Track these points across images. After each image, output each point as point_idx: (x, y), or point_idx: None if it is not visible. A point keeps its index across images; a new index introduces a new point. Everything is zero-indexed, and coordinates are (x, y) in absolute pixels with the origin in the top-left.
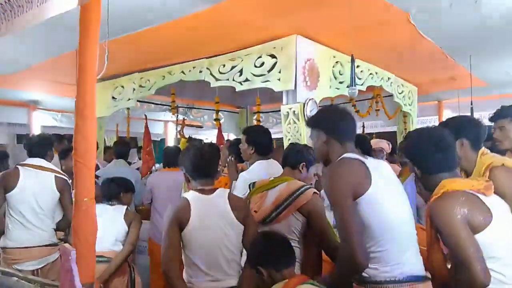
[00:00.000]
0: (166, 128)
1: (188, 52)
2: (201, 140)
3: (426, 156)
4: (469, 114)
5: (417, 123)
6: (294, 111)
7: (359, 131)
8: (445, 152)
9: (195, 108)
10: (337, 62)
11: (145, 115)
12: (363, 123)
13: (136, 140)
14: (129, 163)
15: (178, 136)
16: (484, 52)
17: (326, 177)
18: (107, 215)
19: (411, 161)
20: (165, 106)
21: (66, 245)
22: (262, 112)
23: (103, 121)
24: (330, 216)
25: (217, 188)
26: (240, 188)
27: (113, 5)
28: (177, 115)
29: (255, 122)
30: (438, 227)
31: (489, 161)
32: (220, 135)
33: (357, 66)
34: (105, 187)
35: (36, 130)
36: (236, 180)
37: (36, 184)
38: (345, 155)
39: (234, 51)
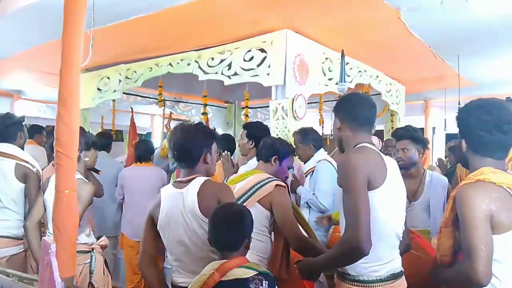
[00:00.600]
0: (152, 121)
1: (176, 44)
2: (186, 122)
3: (480, 134)
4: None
5: (404, 122)
6: (283, 107)
7: None
8: (505, 137)
9: (182, 101)
10: (326, 58)
11: (131, 108)
12: None
13: (122, 133)
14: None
15: (165, 130)
16: (473, 52)
17: (343, 162)
18: None
19: (460, 132)
20: (152, 99)
21: (46, 238)
22: (251, 108)
23: (88, 112)
24: (304, 213)
25: (194, 178)
26: None
27: None
28: (164, 109)
29: (243, 117)
30: (459, 214)
31: None
32: None
33: (347, 63)
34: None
35: None
36: (231, 175)
37: None
38: (364, 144)
39: (223, 44)
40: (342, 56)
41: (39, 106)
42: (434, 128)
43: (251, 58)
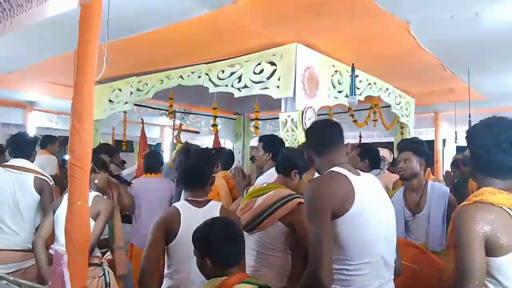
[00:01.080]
0: (162, 132)
1: (187, 57)
2: (193, 145)
3: (491, 152)
4: (466, 127)
5: (413, 134)
6: (292, 119)
7: (355, 141)
8: (506, 157)
9: (192, 113)
10: (336, 71)
11: (142, 119)
12: (360, 133)
13: (132, 143)
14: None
15: (175, 141)
16: (483, 65)
17: (308, 190)
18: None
19: (471, 148)
20: (162, 111)
21: (58, 248)
22: (260, 119)
23: (99, 124)
24: None
25: (210, 200)
26: None
27: (114, 6)
28: (174, 120)
29: (252, 129)
30: (455, 235)
31: None
32: (216, 141)
33: (356, 76)
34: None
35: (31, 131)
36: (244, 187)
37: (15, 185)
38: (333, 168)
39: (233, 57)
40: (353, 69)
41: (50, 117)
42: (444, 141)
43: (261, 71)
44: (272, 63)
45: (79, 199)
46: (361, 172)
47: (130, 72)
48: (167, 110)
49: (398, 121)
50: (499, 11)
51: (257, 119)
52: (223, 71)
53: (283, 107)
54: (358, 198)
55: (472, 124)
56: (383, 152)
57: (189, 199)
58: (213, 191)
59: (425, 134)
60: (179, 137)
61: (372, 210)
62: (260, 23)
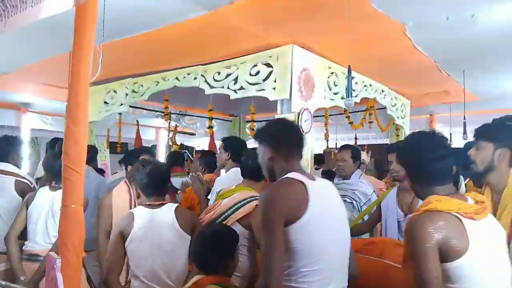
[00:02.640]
0: (158, 134)
1: (182, 58)
2: (150, 159)
3: (421, 165)
4: (461, 128)
5: None
6: None
7: (351, 142)
8: (444, 161)
9: (187, 115)
10: (332, 73)
11: (137, 121)
12: (356, 134)
13: (127, 145)
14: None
15: (170, 143)
16: (479, 67)
17: (261, 198)
18: (43, 203)
19: (405, 168)
20: (157, 112)
21: (52, 253)
22: (256, 121)
23: (94, 125)
24: None
25: (166, 203)
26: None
27: (109, 7)
28: (170, 122)
29: (248, 131)
30: (408, 247)
31: None
32: (212, 143)
33: (352, 78)
34: (47, 164)
35: (25, 133)
36: (204, 192)
37: None
38: (288, 174)
39: (229, 59)
40: (349, 71)
41: (45, 118)
42: None
43: (257, 73)
44: (268, 65)
45: (73, 202)
46: (316, 177)
47: (126, 73)
48: (163, 112)
49: (393, 123)
50: (494, 13)
51: (253, 120)
52: (219, 73)
53: (279, 108)
54: (311, 205)
55: (466, 126)
56: (362, 155)
57: (146, 203)
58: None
59: None
60: (174, 139)
61: (325, 216)
62: (256, 25)
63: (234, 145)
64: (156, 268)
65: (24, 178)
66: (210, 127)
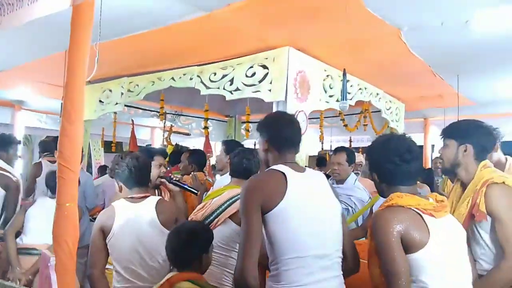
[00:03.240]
0: (153, 134)
1: (179, 59)
2: (132, 152)
3: (387, 166)
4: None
5: None
6: None
7: (346, 144)
8: (409, 165)
9: (183, 115)
10: (327, 75)
11: (132, 120)
12: (350, 137)
13: (122, 145)
14: None
15: (165, 143)
16: (472, 72)
17: (242, 187)
18: (45, 208)
19: (371, 167)
20: (152, 112)
21: (46, 251)
22: (251, 122)
23: (89, 124)
24: None
25: (148, 196)
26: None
27: (106, 8)
28: (165, 121)
29: (243, 132)
30: (375, 240)
31: (489, 176)
32: (207, 144)
33: (348, 81)
34: (50, 178)
35: (19, 131)
36: (203, 192)
37: None
38: (273, 166)
39: (225, 60)
40: (344, 75)
41: (39, 116)
42: (433, 146)
43: (253, 74)
44: (264, 67)
45: (67, 200)
46: (308, 170)
47: (121, 73)
48: (158, 112)
49: (388, 126)
50: (488, 19)
51: (248, 122)
52: (215, 74)
53: (274, 110)
54: (289, 194)
55: None
56: (360, 157)
57: (128, 196)
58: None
59: (414, 139)
60: (169, 138)
61: (306, 207)
62: (252, 27)
63: (235, 149)
64: (136, 264)
65: (8, 172)
66: (206, 127)
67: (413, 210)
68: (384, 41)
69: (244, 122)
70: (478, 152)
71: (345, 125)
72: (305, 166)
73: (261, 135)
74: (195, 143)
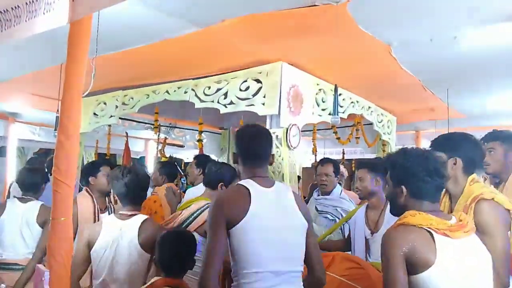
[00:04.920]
0: (146, 146)
1: (173, 72)
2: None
3: (421, 181)
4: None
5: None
6: (277, 136)
7: (339, 156)
8: (441, 180)
9: (177, 127)
10: (320, 89)
11: (126, 133)
12: (343, 149)
13: (116, 157)
14: None
15: (159, 155)
16: (462, 86)
17: (211, 201)
18: (15, 215)
19: (398, 181)
20: (147, 124)
21: (40, 265)
22: None
23: (83, 137)
24: None
25: (136, 215)
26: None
27: (103, 23)
28: (159, 134)
29: None
30: (381, 257)
31: (478, 191)
32: None
33: (340, 94)
34: (21, 176)
35: (12, 143)
36: (176, 204)
37: None
38: (241, 181)
39: (220, 74)
40: (336, 90)
41: (33, 129)
42: None
43: (247, 88)
44: (258, 81)
45: (62, 215)
46: (277, 184)
47: (116, 85)
48: (152, 124)
49: (380, 139)
50: (475, 35)
51: None
52: (209, 87)
53: (268, 124)
54: (252, 210)
55: None
56: (342, 168)
57: (119, 212)
58: (157, 202)
59: None
60: (163, 151)
61: (267, 223)
62: (246, 42)
63: (205, 162)
64: (108, 280)
65: None
66: (200, 140)
67: (424, 229)
68: (375, 57)
69: None
70: (467, 165)
71: (338, 138)
72: (298, 176)
73: (234, 146)
74: (189, 155)
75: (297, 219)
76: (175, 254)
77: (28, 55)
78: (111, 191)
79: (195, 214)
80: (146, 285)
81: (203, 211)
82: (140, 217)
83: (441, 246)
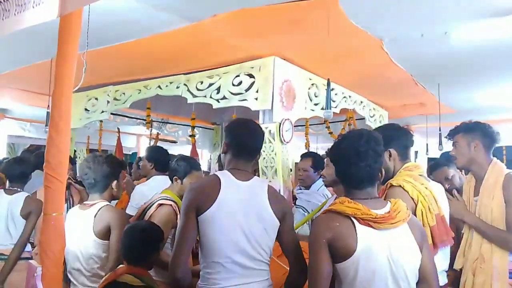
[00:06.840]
0: (139, 141)
1: (165, 67)
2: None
3: (341, 168)
4: (437, 139)
5: None
6: (270, 131)
7: None
8: (357, 167)
9: (169, 123)
10: (312, 84)
11: (118, 128)
12: None
13: (107, 153)
14: None
15: None
16: (452, 81)
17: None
18: (1, 206)
19: (334, 164)
20: (139, 120)
21: (32, 261)
22: None
23: (74, 133)
24: None
25: (98, 203)
26: (135, 199)
27: (93, 17)
28: (151, 129)
29: None
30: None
31: (394, 179)
32: (194, 151)
33: (332, 89)
34: (8, 167)
35: (3, 139)
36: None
37: None
38: (218, 172)
39: (212, 69)
40: (328, 85)
41: (23, 125)
42: (416, 152)
43: (240, 83)
44: (251, 76)
45: (54, 210)
46: (254, 179)
47: (107, 81)
48: (144, 120)
49: None
50: (466, 31)
51: None
52: (202, 82)
53: (261, 118)
54: (219, 200)
55: (442, 137)
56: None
57: (83, 203)
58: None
59: None
60: None
61: (233, 215)
62: (238, 37)
63: (157, 156)
64: (74, 267)
65: None
66: (192, 135)
67: (349, 218)
68: (366, 52)
69: None
70: (402, 153)
71: (330, 133)
72: (290, 169)
73: (224, 137)
74: (182, 150)
75: (266, 214)
76: (135, 244)
77: (17, 50)
78: (71, 184)
79: (147, 208)
80: (110, 273)
81: (152, 205)
82: (98, 205)
83: (362, 236)
